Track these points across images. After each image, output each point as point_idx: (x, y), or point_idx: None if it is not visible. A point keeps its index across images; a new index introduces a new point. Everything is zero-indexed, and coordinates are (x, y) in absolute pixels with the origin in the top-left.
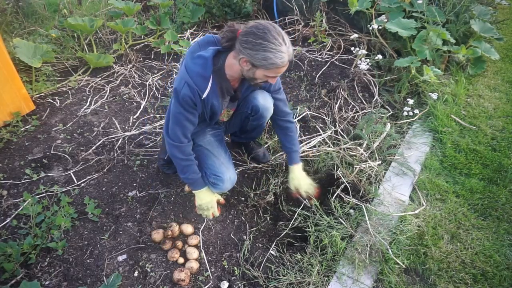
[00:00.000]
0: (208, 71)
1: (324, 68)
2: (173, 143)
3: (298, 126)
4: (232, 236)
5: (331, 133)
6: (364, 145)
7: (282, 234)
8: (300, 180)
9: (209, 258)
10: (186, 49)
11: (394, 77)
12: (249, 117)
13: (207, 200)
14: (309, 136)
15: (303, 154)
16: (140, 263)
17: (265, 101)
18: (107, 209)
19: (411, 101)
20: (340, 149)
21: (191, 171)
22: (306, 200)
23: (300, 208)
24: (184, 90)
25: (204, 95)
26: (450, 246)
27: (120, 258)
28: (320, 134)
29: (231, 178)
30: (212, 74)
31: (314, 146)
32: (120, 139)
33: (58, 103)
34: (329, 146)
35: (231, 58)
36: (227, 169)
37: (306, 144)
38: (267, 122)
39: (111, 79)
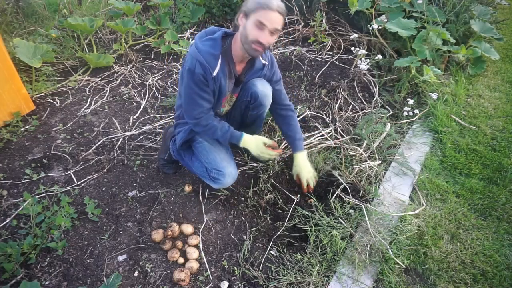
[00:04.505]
0: (217, 50)
1: (324, 68)
2: (194, 122)
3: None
4: (232, 236)
5: (331, 132)
6: (364, 145)
7: (279, 232)
8: (302, 168)
9: (209, 258)
10: (186, 49)
11: (394, 77)
12: (248, 106)
13: (255, 147)
14: (308, 135)
15: None
16: (140, 263)
17: (264, 88)
18: (107, 209)
19: (411, 101)
20: (340, 149)
21: (220, 127)
22: (306, 192)
23: (296, 203)
24: (197, 69)
25: (214, 73)
26: (450, 246)
27: (120, 258)
28: (320, 133)
29: (232, 173)
30: (220, 54)
31: (314, 146)
32: (120, 139)
33: (58, 103)
34: (329, 146)
35: (236, 36)
36: (229, 164)
37: (305, 144)
38: (267, 123)
39: (111, 79)
